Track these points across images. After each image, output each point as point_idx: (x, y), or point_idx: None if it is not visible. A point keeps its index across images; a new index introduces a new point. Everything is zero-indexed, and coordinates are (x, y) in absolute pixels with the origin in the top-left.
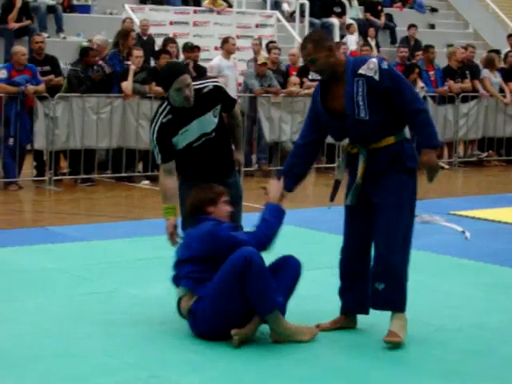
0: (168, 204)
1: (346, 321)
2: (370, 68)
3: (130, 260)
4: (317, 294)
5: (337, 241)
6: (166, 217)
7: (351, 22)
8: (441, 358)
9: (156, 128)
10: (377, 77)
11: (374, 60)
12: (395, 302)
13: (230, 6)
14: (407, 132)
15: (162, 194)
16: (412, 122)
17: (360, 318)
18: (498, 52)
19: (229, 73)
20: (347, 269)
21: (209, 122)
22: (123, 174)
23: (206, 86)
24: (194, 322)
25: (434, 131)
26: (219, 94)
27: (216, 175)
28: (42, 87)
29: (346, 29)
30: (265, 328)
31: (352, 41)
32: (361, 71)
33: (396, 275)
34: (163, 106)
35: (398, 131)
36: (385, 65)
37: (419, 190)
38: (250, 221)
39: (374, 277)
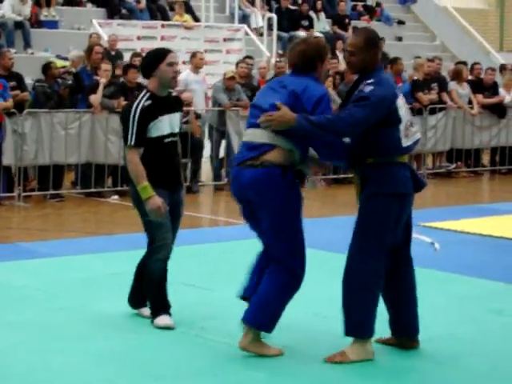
0: (145, 183)
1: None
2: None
3: (100, 275)
4: None
5: (309, 254)
6: (148, 195)
7: (319, 35)
8: (411, 367)
9: (138, 109)
10: (356, 91)
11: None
12: (357, 328)
13: (197, 20)
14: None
15: (137, 175)
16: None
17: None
18: (465, 64)
19: (196, 87)
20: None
21: (177, 122)
22: (92, 190)
23: (172, 92)
24: None
25: (317, 126)
26: (181, 103)
27: (174, 185)
28: (10, 103)
29: None
30: None
31: None
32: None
33: (352, 300)
34: (143, 92)
35: (375, 156)
36: (367, 89)
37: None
38: (221, 235)
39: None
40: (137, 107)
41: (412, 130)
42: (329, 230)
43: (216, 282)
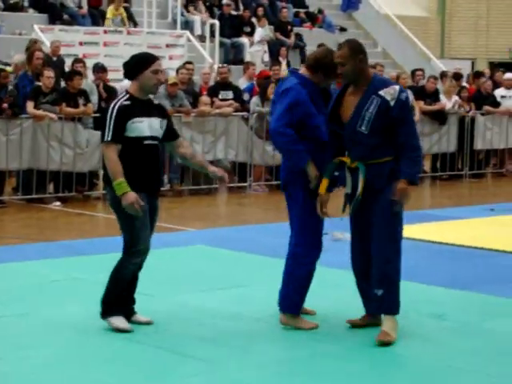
0: (121, 178)
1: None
2: (390, 93)
3: (42, 282)
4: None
5: (252, 260)
6: (123, 190)
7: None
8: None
9: (116, 106)
10: (392, 103)
11: (397, 88)
12: (392, 306)
13: (135, 24)
14: None
15: (113, 171)
16: (402, 153)
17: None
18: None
19: None
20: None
21: (156, 127)
22: (34, 196)
23: (154, 100)
24: None
25: (418, 170)
26: (165, 111)
27: (153, 189)
28: None
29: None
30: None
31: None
32: (381, 92)
33: (391, 283)
34: (122, 94)
35: (394, 153)
36: (403, 96)
37: (331, 207)
38: (162, 241)
39: (375, 283)
40: (114, 105)
41: None
42: (271, 236)
43: (157, 288)
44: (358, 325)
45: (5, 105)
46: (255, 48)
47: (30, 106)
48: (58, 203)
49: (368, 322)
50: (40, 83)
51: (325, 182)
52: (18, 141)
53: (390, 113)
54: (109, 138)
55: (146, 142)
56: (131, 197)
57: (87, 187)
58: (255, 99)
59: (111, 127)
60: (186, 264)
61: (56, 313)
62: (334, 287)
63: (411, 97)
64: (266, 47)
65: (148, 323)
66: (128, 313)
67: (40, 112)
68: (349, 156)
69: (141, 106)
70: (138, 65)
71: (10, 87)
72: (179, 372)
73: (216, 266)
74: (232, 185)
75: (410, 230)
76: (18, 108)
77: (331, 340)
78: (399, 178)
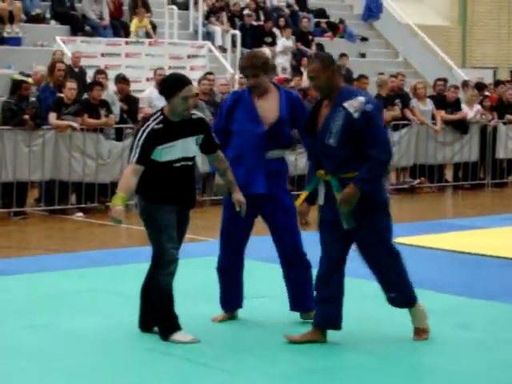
0: (124, 194)
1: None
2: (353, 105)
3: (64, 293)
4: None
5: (275, 270)
6: (118, 202)
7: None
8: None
9: (147, 130)
10: (356, 115)
11: (362, 99)
12: (407, 302)
13: (154, 27)
14: None
15: (121, 182)
16: (369, 163)
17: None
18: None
19: (160, 104)
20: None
21: (191, 146)
22: (56, 207)
23: (194, 113)
24: None
25: (373, 178)
26: (204, 125)
27: (185, 203)
28: None
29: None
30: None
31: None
32: (345, 104)
33: (399, 284)
34: (156, 115)
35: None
36: (369, 107)
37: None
38: (184, 252)
39: (384, 289)
40: (145, 129)
41: None
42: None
43: (180, 298)
44: (296, 341)
45: (26, 116)
46: (280, 60)
47: (52, 117)
48: (80, 214)
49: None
50: (62, 94)
51: (303, 195)
52: (41, 152)
53: (354, 125)
54: (133, 161)
55: (177, 165)
56: (117, 209)
57: (109, 198)
58: None
59: (137, 151)
60: (209, 274)
61: (77, 324)
62: (361, 298)
63: (431, 106)
64: (290, 57)
65: None
66: (150, 324)
67: (62, 122)
68: (324, 168)
69: (174, 129)
70: (170, 87)
71: (32, 99)
72: (203, 383)
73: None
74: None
75: (432, 240)
76: (40, 119)
77: (356, 351)
78: (382, 193)
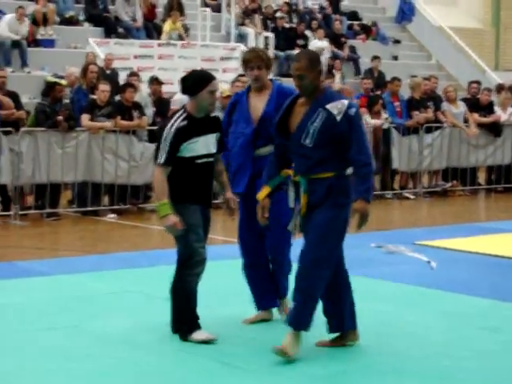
0: (165, 200)
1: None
2: (337, 107)
3: (95, 294)
4: None
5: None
6: (165, 212)
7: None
8: None
9: (173, 129)
10: (338, 118)
11: (345, 102)
12: (298, 321)
13: (187, 29)
14: (349, 170)
15: (159, 191)
16: (354, 170)
17: None
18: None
19: None
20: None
21: (212, 143)
22: (89, 208)
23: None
24: None
25: (371, 186)
26: (220, 124)
27: (206, 200)
28: (22, 113)
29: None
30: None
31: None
32: (328, 106)
33: (305, 301)
34: (179, 112)
35: (339, 169)
36: (352, 111)
37: (384, 221)
38: (217, 254)
39: (292, 295)
40: (171, 127)
41: None
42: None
43: (212, 300)
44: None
45: (60, 118)
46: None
47: (85, 119)
48: (112, 216)
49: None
50: (95, 96)
51: (265, 190)
52: (74, 154)
53: (336, 128)
54: (162, 161)
55: (199, 161)
56: (172, 219)
57: (142, 200)
58: None
59: (166, 151)
60: (241, 276)
61: (107, 325)
62: (387, 300)
63: (463, 109)
64: (324, 58)
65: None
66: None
67: (95, 123)
68: (293, 169)
69: (197, 125)
70: (196, 83)
71: (66, 101)
72: None
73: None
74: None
75: (464, 243)
76: (74, 121)
77: (384, 354)
78: (350, 196)
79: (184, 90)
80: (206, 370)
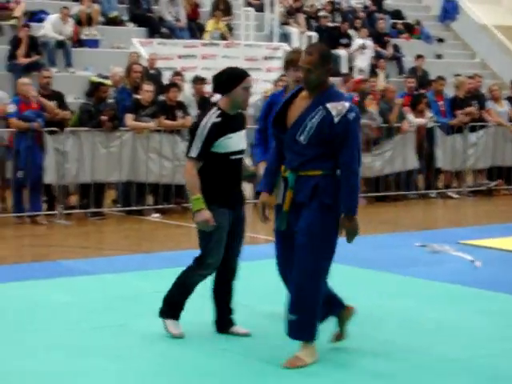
0: (198, 194)
1: None
2: (337, 108)
3: (140, 293)
4: None
5: (350, 272)
6: (199, 207)
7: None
8: None
9: (209, 124)
10: (336, 119)
11: (347, 105)
12: (305, 332)
13: (230, 28)
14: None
15: (191, 185)
16: (342, 176)
17: None
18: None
19: None
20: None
21: (243, 139)
22: (133, 208)
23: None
24: None
25: (357, 199)
26: (245, 121)
27: (237, 200)
28: (67, 114)
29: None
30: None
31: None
32: (328, 105)
33: (306, 308)
34: (213, 110)
35: (327, 169)
36: (351, 115)
37: (429, 220)
38: (261, 253)
39: (289, 307)
40: (206, 123)
41: None
42: (368, 248)
43: (256, 299)
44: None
45: (104, 117)
46: (356, 61)
47: (129, 118)
48: (157, 215)
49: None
50: (139, 96)
51: (288, 195)
52: (118, 153)
53: (332, 129)
54: (194, 155)
55: (233, 157)
56: (206, 214)
57: (186, 199)
58: None
59: (199, 145)
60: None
61: (152, 324)
62: (431, 299)
63: (507, 107)
64: (368, 57)
65: (246, 335)
66: (226, 323)
67: (139, 123)
68: (285, 163)
69: (231, 122)
70: (230, 80)
71: (110, 100)
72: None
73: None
74: None
75: (509, 243)
76: (118, 121)
77: (424, 354)
78: (336, 199)
79: (217, 88)
80: (255, 370)
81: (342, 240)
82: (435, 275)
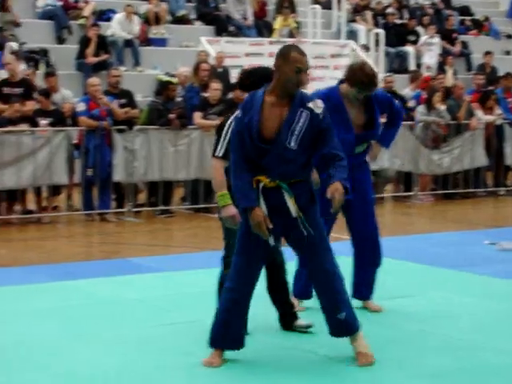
0: (224, 190)
1: None
2: (318, 106)
3: (209, 291)
4: None
5: (416, 269)
6: (225, 202)
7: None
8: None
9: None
10: (321, 116)
11: (320, 101)
12: (354, 323)
13: (298, 26)
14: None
15: (219, 183)
16: (330, 163)
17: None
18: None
19: None
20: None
21: None
22: (201, 205)
23: None
24: None
25: (346, 178)
26: None
27: None
28: (136, 112)
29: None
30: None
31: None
32: (310, 105)
33: (344, 300)
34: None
35: (308, 176)
36: (326, 109)
37: (498, 218)
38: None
39: (332, 312)
40: (232, 122)
41: None
42: (436, 246)
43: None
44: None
45: (173, 116)
46: (424, 58)
47: (197, 116)
48: None
49: None
50: (207, 94)
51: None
52: (186, 151)
53: (319, 126)
54: (220, 155)
55: None
56: (232, 210)
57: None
58: (421, 108)
59: (225, 144)
60: (349, 274)
61: None
62: (501, 298)
63: None
64: (435, 54)
65: (308, 326)
66: (289, 319)
67: (207, 121)
68: (267, 175)
69: None
70: (261, 79)
71: (179, 99)
72: (337, 378)
73: (379, 276)
74: (397, 194)
75: None
76: (186, 119)
77: (491, 351)
78: (330, 182)
79: (249, 85)
80: (324, 369)
81: (405, 238)
82: (505, 273)
